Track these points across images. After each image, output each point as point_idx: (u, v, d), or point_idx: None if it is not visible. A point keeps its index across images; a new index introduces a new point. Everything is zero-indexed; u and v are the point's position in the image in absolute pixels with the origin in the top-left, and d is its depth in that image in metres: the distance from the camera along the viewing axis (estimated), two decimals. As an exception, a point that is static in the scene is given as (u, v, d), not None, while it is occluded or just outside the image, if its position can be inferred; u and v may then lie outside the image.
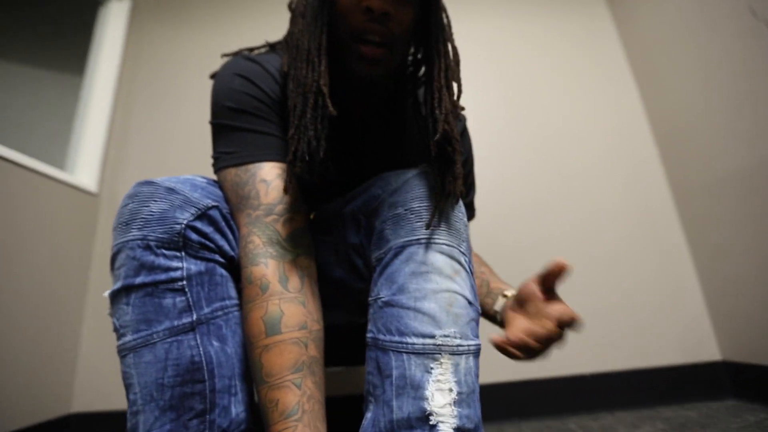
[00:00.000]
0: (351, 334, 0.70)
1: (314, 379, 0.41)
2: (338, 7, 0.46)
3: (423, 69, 0.54)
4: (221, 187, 0.50)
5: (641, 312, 1.22)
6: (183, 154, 1.40)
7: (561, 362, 1.17)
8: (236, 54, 0.55)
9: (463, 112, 0.57)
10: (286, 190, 0.46)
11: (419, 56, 0.55)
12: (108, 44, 1.45)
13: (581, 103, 1.45)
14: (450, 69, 0.48)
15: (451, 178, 0.45)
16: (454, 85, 0.48)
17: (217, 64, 1.48)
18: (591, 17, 1.56)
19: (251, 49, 0.58)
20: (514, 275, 1.23)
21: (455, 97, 0.47)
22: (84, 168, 1.32)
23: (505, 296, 0.55)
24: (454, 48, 0.49)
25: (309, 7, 0.47)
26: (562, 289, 1.30)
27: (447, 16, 0.50)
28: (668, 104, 1.31)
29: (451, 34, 0.50)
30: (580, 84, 1.47)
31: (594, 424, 1.01)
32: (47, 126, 1.55)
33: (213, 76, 0.55)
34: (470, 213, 0.69)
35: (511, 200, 1.34)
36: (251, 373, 0.42)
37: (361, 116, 0.58)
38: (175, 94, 1.48)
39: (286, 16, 1.73)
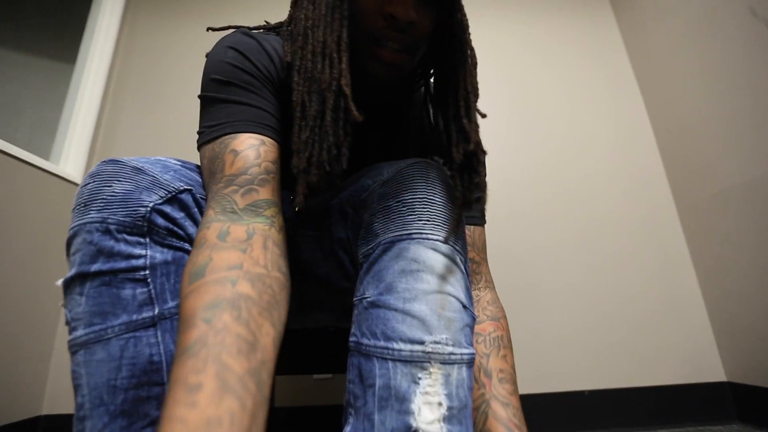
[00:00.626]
0: (338, 339, 0.65)
1: (236, 314, 0.31)
2: (358, 3, 0.43)
3: (433, 69, 0.52)
4: (201, 166, 0.45)
5: (643, 329, 1.18)
6: (173, 145, 1.36)
7: (560, 378, 1.13)
8: (227, 28, 0.51)
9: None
10: (257, 162, 0.41)
11: (431, 56, 0.53)
12: (101, 34, 1.42)
13: (586, 112, 1.43)
14: (473, 76, 0.46)
15: (470, 187, 0.43)
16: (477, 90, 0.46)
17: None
18: (597, 26, 1.55)
19: (249, 28, 0.54)
20: (515, 283, 1.20)
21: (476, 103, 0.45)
22: (70, 158, 1.27)
23: None
24: (472, 50, 0.47)
25: None
26: (563, 305, 1.26)
27: (465, 16, 0.48)
28: (672, 115, 1.29)
29: (469, 40, 0.47)
30: (585, 93, 1.45)
31: (591, 443, 0.96)
32: (35, 114, 1.50)
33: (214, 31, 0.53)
34: (480, 218, 0.65)
35: (513, 208, 1.30)
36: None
37: (366, 113, 0.55)
38: (166, 87, 1.44)
39: (284, 7, 1.69)
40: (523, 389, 1.11)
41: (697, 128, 1.18)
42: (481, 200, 0.61)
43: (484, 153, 0.43)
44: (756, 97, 0.99)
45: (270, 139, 0.44)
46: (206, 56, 0.49)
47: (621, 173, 1.35)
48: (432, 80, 0.53)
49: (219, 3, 1.57)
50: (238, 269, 0.33)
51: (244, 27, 0.51)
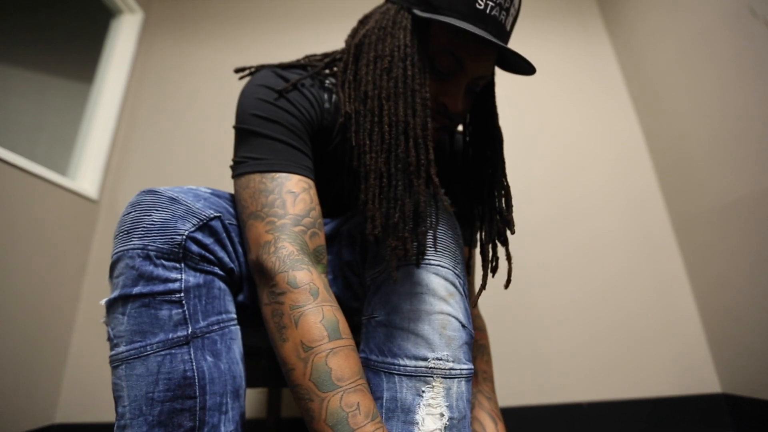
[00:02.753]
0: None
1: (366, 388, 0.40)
2: None
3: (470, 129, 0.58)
4: (237, 192, 0.49)
5: (640, 342, 1.21)
6: (185, 163, 1.42)
7: (557, 389, 1.16)
8: (260, 68, 0.54)
9: None
10: (312, 206, 0.47)
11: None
12: (118, 55, 1.49)
13: (582, 130, 1.48)
14: (502, 157, 0.52)
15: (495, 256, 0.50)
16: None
17: (222, 78, 1.52)
18: (592, 46, 1.61)
19: (278, 66, 0.56)
20: (514, 296, 1.23)
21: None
22: (86, 174, 1.33)
23: None
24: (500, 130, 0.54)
25: (400, 71, 0.45)
26: (561, 318, 1.29)
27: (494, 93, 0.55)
28: (668, 133, 1.34)
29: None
30: (581, 111, 1.50)
31: (588, 455, 0.99)
32: (52, 131, 1.56)
33: (243, 78, 0.56)
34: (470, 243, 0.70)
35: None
36: (311, 379, 0.38)
37: None
38: (179, 105, 1.50)
39: (294, 33, 1.73)
40: (523, 401, 1.14)
41: (691, 146, 1.23)
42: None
43: (512, 224, 0.49)
44: (748, 116, 1.03)
45: (313, 183, 0.49)
46: (243, 92, 0.52)
47: (617, 191, 1.40)
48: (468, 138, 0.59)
49: (230, 27, 1.64)
50: (350, 339, 0.41)
51: (273, 66, 0.54)
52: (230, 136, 1.45)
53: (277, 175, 0.46)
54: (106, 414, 1.12)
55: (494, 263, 0.49)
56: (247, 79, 0.89)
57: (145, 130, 1.46)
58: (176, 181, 1.39)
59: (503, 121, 1.48)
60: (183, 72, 1.56)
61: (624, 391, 1.15)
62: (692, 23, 1.21)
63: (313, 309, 0.40)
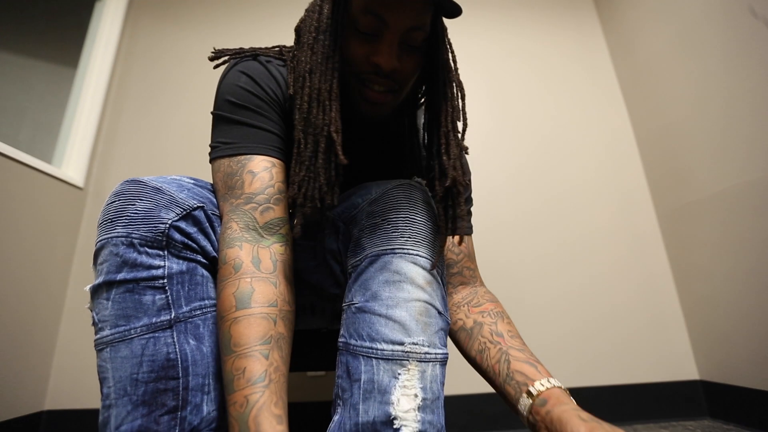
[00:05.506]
0: (327, 340, 0.71)
1: (281, 354, 0.42)
2: (348, 52, 0.49)
3: (423, 95, 0.56)
4: (213, 177, 0.51)
5: (623, 331, 1.25)
6: (172, 151, 1.41)
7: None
8: (239, 51, 0.56)
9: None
10: (271, 183, 0.48)
11: (421, 85, 0.58)
12: (102, 39, 1.46)
13: (571, 123, 1.49)
14: (455, 111, 0.51)
15: (452, 217, 0.49)
16: (459, 126, 0.50)
17: (209, 63, 1.50)
18: (583, 35, 1.62)
19: (255, 50, 0.58)
20: (500, 285, 1.26)
21: (461, 136, 0.50)
22: (71, 162, 1.31)
23: (530, 394, 0.43)
24: (460, 85, 0.52)
25: (319, 44, 0.48)
26: (547, 307, 1.32)
27: (452, 53, 0.53)
28: (655, 127, 1.36)
29: (457, 74, 0.52)
30: (571, 104, 1.52)
31: (566, 438, 1.02)
32: (37, 117, 1.54)
33: (218, 67, 0.57)
34: (468, 227, 0.70)
35: (498, 217, 1.37)
36: (219, 347, 0.42)
37: (359, 138, 0.60)
38: (166, 92, 1.48)
39: (281, 17, 1.73)
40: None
41: (678, 138, 1.26)
42: (470, 212, 0.67)
43: (462, 184, 0.48)
44: (733, 109, 1.06)
45: (279, 161, 0.51)
46: (220, 79, 0.54)
47: (604, 181, 1.42)
48: (425, 107, 0.58)
49: (217, 11, 1.61)
50: (275, 307, 0.43)
51: (251, 50, 0.56)
52: (219, 124, 1.44)
53: (242, 157, 0.49)
54: (95, 400, 1.13)
55: (451, 224, 0.49)
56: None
57: (131, 117, 1.45)
58: (163, 168, 1.38)
59: (488, 110, 1.50)
60: (170, 57, 1.53)
61: (608, 377, 1.20)
62: (683, 15, 1.22)
63: (230, 282, 0.43)
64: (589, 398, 1.17)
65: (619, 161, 1.45)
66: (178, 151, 1.41)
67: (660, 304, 1.28)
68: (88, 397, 1.13)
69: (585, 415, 0.38)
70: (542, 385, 0.43)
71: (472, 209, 0.69)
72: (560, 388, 0.43)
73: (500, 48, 1.59)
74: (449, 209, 0.49)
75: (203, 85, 1.49)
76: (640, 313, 1.27)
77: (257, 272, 0.44)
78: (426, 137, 0.55)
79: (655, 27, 1.34)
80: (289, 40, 1.56)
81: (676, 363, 1.22)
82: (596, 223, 1.37)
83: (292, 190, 0.47)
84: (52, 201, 1.19)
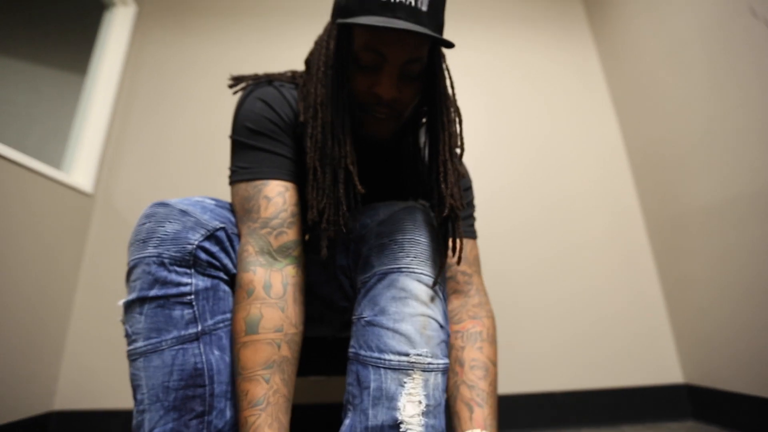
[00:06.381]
0: (333, 347, 0.75)
1: (283, 377, 0.47)
2: (352, 85, 0.53)
3: (425, 118, 0.60)
4: (232, 199, 0.55)
5: (611, 336, 1.30)
6: (180, 159, 1.44)
7: (533, 380, 1.24)
8: (255, 77, 0.61)
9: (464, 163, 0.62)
10: (284, 208, 0.52)
11: (423, 107, 0.61)
12: (111, 47, 1.49)
13: (565, 134, 1.54)
14: (453, 136, 0.54)
15: (452, 237, 0.53)
16: (457, 151, 0.54)
17: (216, 72, 1.54)
18: (576, 46, 1.67)
19: (270, 76, 0.62)
20: (493, 297, 1.30)
21: (458, 161, 0.54)
22: (80, 168, 1.34)
23: None
24: (457, 110, 0.55)
25: (329, 79, 0.52)
26: (538, 312, 1.36)
27: (450, 79, 0.56)
28: (646, 139, 1.41)
29: (454, 100, 0.55)
30: (565, 115, 1.57)
31: (558, 439, 1.07)
32: (46, 124, 1.57)
33: (236, 93, 0.61)
34: (471, 232, 0.72)
35: (492, 225, 1.41)
36: (232, 366, 0.48)
37: (365, 158, 0.64)
38: (174, 100, 1.52)
39: (286, 28, 1.77)
40: (501, 390, 1.22)
41: (667, 151, 1.30)
42: (472, 217, 0.69)
43: (459, 208, 0.52)
44: (723, 122, 1.10)
45: (292, 184, 0.55)
46: (237, 105, 0.58)
47: (595, 191, 1.47)
48: (426, 127, 0.61)
49: (225, 22, 1.65)
50: (280, 332, 0.48)
51: (266, 76, 0.61)
52: (225, 130, 1.48)
53: (259, 182, 0.53)
54: (103, 401, 1.17)
55: (451, 243, 0.53)
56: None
57: (140, 124, 1.48)
58: (171, 175, 1.41)
59: (483, 121, 1.55)
60: (178, 65, 1.57)
61: (596, 381, 1.24)
62: (675, 29, 1.26)
63: (243, 307, 0.48)
64: (577, 401, 1.22)
65: (609, 171, 1.50)
66: (186, 158, 1.44)
67: (646, 311, 1.33)
68: (99, 398, 1.17)
69: None
70: None
71: (474, 214, 0.70)
72: None
73: (496, 59, 1.64)
74: (448, 231, 0.53)
75: (210, 91, 1.53)
76: (628, 319, 1.32)
77: (267, 298, 0.48)
78: (427, 157, 0.58)
79: (647, 40, 1.39)
80: (292, 50, 1.60)
81: (662, 367, 1.27)
82: (588, 233, 1.42)
83: (312, 214, 0.51)
84: (62, 207, 1.22)
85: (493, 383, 0.52)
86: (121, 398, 1.17)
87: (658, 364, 1.27)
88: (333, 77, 0.52)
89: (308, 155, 0.52)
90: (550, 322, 1.31)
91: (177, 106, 1.51)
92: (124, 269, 1.29)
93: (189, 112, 1.50)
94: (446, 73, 0.56)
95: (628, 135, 1.51)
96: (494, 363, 0.54)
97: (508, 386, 1.23)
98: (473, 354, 0.54)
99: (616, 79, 1.57)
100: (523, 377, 1.25)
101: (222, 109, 1.50)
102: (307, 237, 0.65)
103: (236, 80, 0.61)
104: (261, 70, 1.56)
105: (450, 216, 0.53)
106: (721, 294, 1.11)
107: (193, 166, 1.43)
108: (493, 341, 0.56)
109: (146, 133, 1.47)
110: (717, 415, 1.11)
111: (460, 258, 0.54)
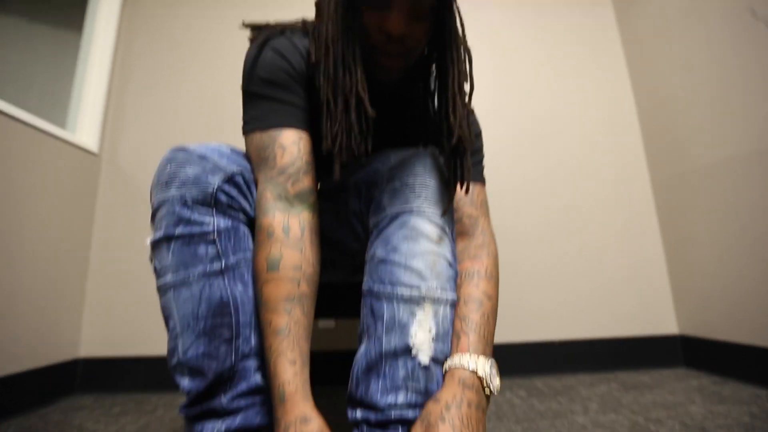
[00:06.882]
0: (344, 291, 0.80)
1: (303, 309, 0.50)
2: (364, 23, 0.53)
3: (435, 63, 0.60)
4: (247, 148, 0.57)
5: (609, 288, 1.35)
6: (182, 112, 1.43)
7: (532, 329, 1.31)
8: (265, 26, 0.60)
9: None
10: (299, 156, 0.54)
11: (433, 52, 0.60)
12: (105, 1, 1.44)
13: (573, 92, 1.51)
14: (462, 74, 0.55)
15: (460, 171, 0.54)
16: (466, 87, 0.55)
17: (217, 24, 1.50)
18: (591, 6, 1.61)
19: (281, 25, 0.62)
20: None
21: (468, 99, 0.55)
22: (84, 127, 1.34)
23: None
24: (467, 50, 0.55)
25: (340, 17, 0.52)
26: (544, 268, 1.40)
27: (460, 19, 0.56)
28: (656, 98, 1.39)
29: (464, 39, 0.56)
30: (574, 73, 1.53)
31: (557, 383, 1.14)
32: (45, 83, 1.54)
33: (251, 39, 0.61)
34: (480, 177, 0.71)
35: (498, 183, 1.42)
36: (255, 300, 0.52)
37: (377, 102, 0.64)
38: (174, 52, 1.48)
39: None
40: (501, 339, 1.29)
41: (677, 109, 1.29)
42: (481, 162, 0.70)
43: (468, 141, 0.54)
44: (732, 81, 1.09)
45: (306, 133, 0.56)
46: (249, 55, 0.57)
47: (602, 148, 1.46)
48: (436, 72, 0.62)
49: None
50: (299, 270, 0.51)
51: (277, 25, 0.60)
52: (227, 83, 1.45)
53: (273, 131, 0.55)
54: (125, 349, 1.24)
55: (459, 178, 0.55)
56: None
57: (140, 81, 1.46)
58: (175, 132, 1.41)
59: (489, 76, 1.52)
60: (176, 17, 1.52)
61: (593, 331, 1.31)
62: None
63: (264, 247, 0.51)
64: (574, 350, 1.29)
65: (618, 130, 1.49)
66: (189, 113, 1.43)
67: (647, 266, 1.37)
68: (121, 346, 1.24)
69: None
70: (451, 359, 0.49)
71: (483, 161, 0.70)
72: (463, 368, 0.47)
73: (504, 17, 1.58)
74: (457, 165, 0.55)
75: (210, 45, 1.49)
76: (628, 273, 1.36)
77: (286, 240, 0.51)
78: (436, 100, 0.59)
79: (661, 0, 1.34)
80: (300, 7, 1.53)
81: (660, 319, 1.32)
82: (595, 190, 1.43)
83: (326, 143, 0.52)
84: (70, 166, 1.24)
85: (486, 314, 0.53)
86: (141, 346, 1.24)
87: (655, 317, 1.33)
88: (343, 15, 0.52)
89: (321, 90, 0.53)
90: (555, 276, 1.36)
91: (176, 61, 1.47)
92: (134, 225, 1.33)
93: (191, 65, 1.47)
94: (456, 12, 0.56)
95: (639, 92, 1.49)
96: (490, 297, 0.54)
97: (507, 335, 1.30)
98: (469, 290, 0.55)
99: (628, 35, 1.52)
100: (521, 327, 1.31)
101: (225, 62, 1.47)
102: (318, 184, 0.66)
103: (249, 28, 0.61)
104: (272, 13, 1.52)
105: (458, 148, 0.54)
106: (720, 251, 1.14)
107: (199, 120, 1.42)
108: (491, 277, 0.57)
109: (148, 90, 1.45)
110: (707, 362, 1.19)
111: (468, 189, 0.55)
